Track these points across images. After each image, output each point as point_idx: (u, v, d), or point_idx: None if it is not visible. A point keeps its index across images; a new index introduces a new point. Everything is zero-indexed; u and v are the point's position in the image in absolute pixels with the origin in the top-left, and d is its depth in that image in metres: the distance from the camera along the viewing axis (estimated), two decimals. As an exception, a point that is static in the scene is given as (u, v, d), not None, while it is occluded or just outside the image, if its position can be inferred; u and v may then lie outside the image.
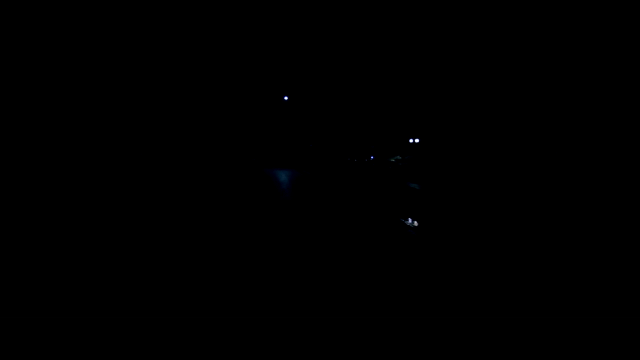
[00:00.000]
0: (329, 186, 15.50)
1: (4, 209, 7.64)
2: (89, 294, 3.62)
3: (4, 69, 11.45)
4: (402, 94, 32.22)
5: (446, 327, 3.07)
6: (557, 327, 3.07)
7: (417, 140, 28.58)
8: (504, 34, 18.98)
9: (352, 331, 3.03)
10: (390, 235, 6.41)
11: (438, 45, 25.07)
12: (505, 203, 10.27)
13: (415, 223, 7.49)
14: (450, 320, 3.19)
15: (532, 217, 8.18)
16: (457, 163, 22.89)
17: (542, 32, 16.42)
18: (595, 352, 2.68)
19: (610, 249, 5.48)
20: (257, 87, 39.09)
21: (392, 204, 10.27)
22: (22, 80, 12.06)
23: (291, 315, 3.29)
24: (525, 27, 17.42)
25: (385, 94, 35.12)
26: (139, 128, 17.53)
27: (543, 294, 3.75)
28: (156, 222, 6.99)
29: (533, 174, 16.91)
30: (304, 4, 35.68)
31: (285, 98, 41.50)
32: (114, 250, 5.09)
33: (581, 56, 14.25)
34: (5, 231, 5.89)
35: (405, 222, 7.62)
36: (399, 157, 28.86)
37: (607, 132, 12.55)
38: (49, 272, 4.15)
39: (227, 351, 2.75)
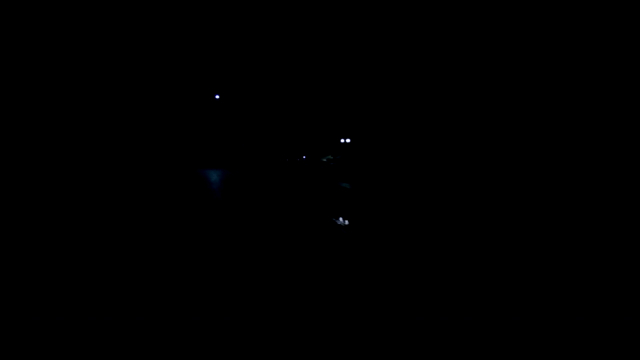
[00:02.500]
0: (261, 186, 15.17)
1: None
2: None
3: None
4: (334, 94, 32.61)
5: (367, 327, 2.98)
6: (467, 326, 3.10)
7: (348, 140, 29.07)
8: (427, 40, 19.83)
9: (273, 330, 2.83)
10: (321, 234, 6.30)
11: (366, 49, 25.66)
12: (430, 201, 10.63)
13: (346, 222, 7.46)
14: (374, 320, 3.11)
15: (453, 214, 8.52)
16: (386, 162, 23.58)
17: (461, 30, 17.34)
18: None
19: (534, 246, 5.80)
20: (187, 86, 37.50)
21: (323, 203, 10.23)
22: None
23: (213, 315, 3.01)
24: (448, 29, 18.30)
25: (318, 95, 35.35)
26: (54, 129, 15.92)
27: (459, 290, 3.81)
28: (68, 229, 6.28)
29: (455, 173, 17.86)
30: (234, 1, 34.84)
31: (217, 97, 40.25)
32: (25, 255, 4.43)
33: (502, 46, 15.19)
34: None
35: (337, 221, 7.57)
36: (330, 157, 29.17)
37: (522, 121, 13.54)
38: None
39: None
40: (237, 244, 5.49)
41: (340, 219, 7.85)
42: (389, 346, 2.77)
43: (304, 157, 37.42)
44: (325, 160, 29.61)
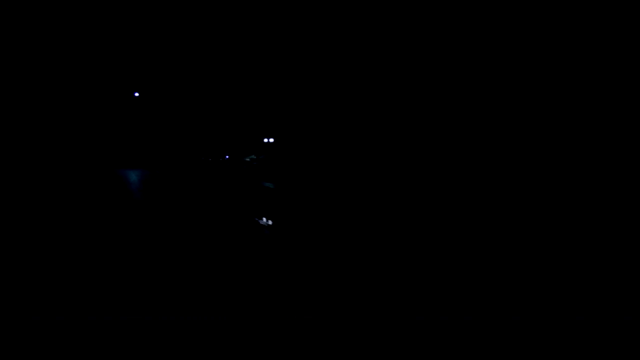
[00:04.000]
0: (182, 186, 14.54)
1: None
2: None
3: None
4: (257, 93, 32.26)
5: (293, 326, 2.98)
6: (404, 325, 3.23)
7: (271, 140, 28.93)
8: (350, 38, 20.39)
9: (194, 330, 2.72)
10: (244, 234, 6.19)
11: (290, 48, 25.75)
12: (356, 200, 10.93)
13: (270, 222, 7.41)
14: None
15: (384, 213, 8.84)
16: (310, 162, 23.84)
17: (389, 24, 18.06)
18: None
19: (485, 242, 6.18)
20: (104, 83, 34.78)
21: (246, 203, 10.07)
22: None
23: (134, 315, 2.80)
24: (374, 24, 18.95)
25: (241, 94, 34.73)
26: None
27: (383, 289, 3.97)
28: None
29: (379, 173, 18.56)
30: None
31: (136, 94, 37.84)
32: None
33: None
34: None
35: (260, 221, 7.49)
36: (254, 157, 28.82)
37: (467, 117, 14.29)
38: None
39: None
40: (155, 245, 5.20)
41: (264, 219, 7.78)
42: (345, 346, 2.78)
43: (227, 156, 36.61)
44: (248, 160, 29.19)
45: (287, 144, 26.40)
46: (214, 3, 32.33)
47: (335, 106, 21.90)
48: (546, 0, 11.19)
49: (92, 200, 9.71)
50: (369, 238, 6.15)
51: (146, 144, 40.01)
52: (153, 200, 9.95)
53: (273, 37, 28.00)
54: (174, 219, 7.43)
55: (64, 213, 7.69)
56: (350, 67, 20.53)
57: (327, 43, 22.10)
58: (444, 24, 14.97)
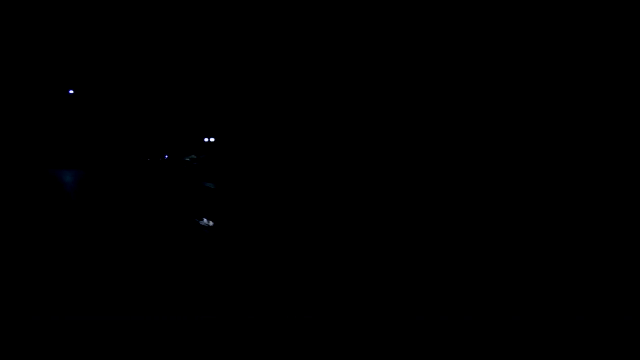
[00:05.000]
0: (119, 187, 13.97)
1: None
2: None
3: None
4: (197, 92, 31.50)
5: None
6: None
7: (212, 140, 28.42)
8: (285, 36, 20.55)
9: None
10: (183, 235, 6.19)
11: (230, 45, 25.46)
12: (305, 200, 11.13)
13: (211, 223, 7.43)
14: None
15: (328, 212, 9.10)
16: (252, 162, 23.74)
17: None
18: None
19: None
20: (36, 81, 32.22)
21: (186, 204, 9.94)
22: None
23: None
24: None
25: (180, 92, 33.73)
26: None
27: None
28: None
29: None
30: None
31: (71, 92, 35.41)
32: None
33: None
34: None
35: (200, 222, 7.49)
36: (194, 157, 28.16)
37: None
38: None
39: None
40: (88, 247, 5.08)
41: (204, 219, 7.78)
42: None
43: (167, 156, 35.41)
44: (189, 159, 28.47)
45: (228, 144, 26.08)
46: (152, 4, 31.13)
47: (277, 104, 21.99)
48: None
49: (23, 202, 9.13)
50: (315, 237, 6.38)
51: (82, 143, 37.70)
52: (88, 202, 9.55)
53: (212, 33, 27.50)
54: (110, 221, 7.23)
55: (-15, 219, 7.21)
56: (290, 67, 20.71)
57: (266, 43, 22.11)
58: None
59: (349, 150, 17.54)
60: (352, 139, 17.40)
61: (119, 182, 16.44)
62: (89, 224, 7.02)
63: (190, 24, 29.74)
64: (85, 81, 36.18)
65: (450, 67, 13.20)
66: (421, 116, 14.41)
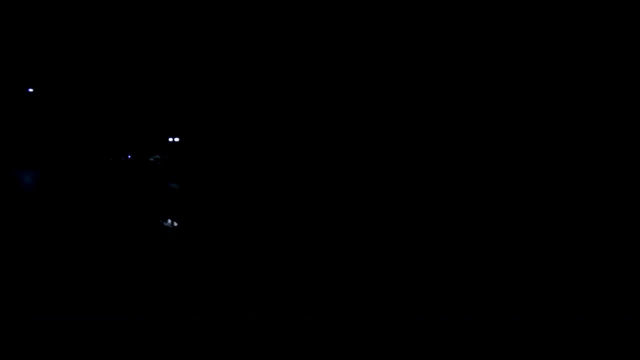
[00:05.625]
0: (81, 188, 13.61)
1: None
2: None
3: None
4: (161, 92, 30.89)
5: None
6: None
7: (177, 139, 27.99)
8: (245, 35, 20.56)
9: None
10: (146, 236, 6.24)
11: (195, 44, 25.16)
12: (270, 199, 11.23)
13: (175, 224, 7.48)
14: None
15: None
16: (214, 162, 23.56)
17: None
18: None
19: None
20: None
21: (150, 204, 9.89)
22: None
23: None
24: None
25: (144, 91, 32.94)
26: None
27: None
28: None
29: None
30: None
31: (30, 90, 33.81)
32: None
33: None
34: None
35: (164, 223, 7.51)
36: (158, 157, 27.64)
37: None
38: None
39: None
40: (49, 248, 5.06)
41: (169, 220, 7.81)
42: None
43: (130, 156, 34.53)
44: (152, 159, 27.91)
45: (193, 143, 25.78)
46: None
47: (242, 103, 21.94)
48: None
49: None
50: (282, 237, 6.55)
51: (42, 143, 36.16)
52: (48, 203, 9.33)
53: (175, 30, 27.07)
54: (70, 222, 7.14)
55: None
56: (253, 67, 20.72)
57: (228, 42, 22.02)
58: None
59: (315, 148, 17.75)
60: (315, 137, 17.62)
61: (81, 183, 16.01)
62: (50, 225, 6.91)
63: (151, 20, 29.13)
64: (46, 79, 34.75)
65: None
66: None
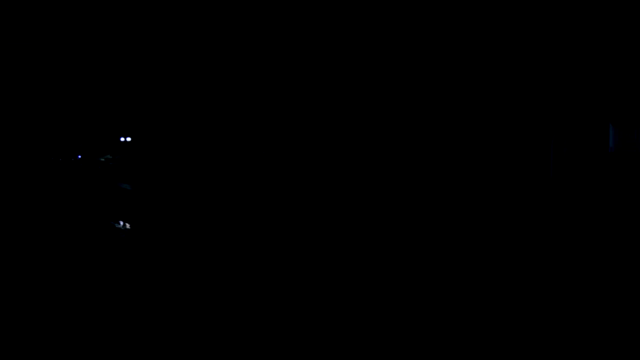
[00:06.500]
0: (26, 189, 13.14)
1: None
2: None
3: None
4: (113, 91, 29.93)
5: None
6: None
7: (129, 139, 27.33)
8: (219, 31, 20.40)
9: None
10: (97, 239, 6.20)
11: (147, 40, 24.62)
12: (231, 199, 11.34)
13: (127, 225, 7.54)
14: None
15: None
16: (171, 162, 23.20)
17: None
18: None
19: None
20: None
21: (101, 206, 9.80)
22: None
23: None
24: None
25: (95, 90, 31.75)
26: None
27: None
28: None
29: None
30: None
31: None
32: None
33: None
34: None
35: (116, 224, 7.57)
36: (109, 157, 26.90)
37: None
38: None
39: None
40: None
41: (121, 222, 7.84)
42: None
43: (80, 156, 33.25)
44: (103, 160, 27.13)
45: (145, 143, 25.28)
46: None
47: (196, 100, 21.74)
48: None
49: None
50: (241, 237, 6.79)
51: None
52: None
53: (127, 27, 26.33)
54: (13, 225, 7.03)
55: None
56: (209, 64, 20.60)
57: (181, 39, 21.76)
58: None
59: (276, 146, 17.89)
60: (274, 133, 17.79)
61: (26, 185, 15.44)
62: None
63: (104, 17, 28.15)
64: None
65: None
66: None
